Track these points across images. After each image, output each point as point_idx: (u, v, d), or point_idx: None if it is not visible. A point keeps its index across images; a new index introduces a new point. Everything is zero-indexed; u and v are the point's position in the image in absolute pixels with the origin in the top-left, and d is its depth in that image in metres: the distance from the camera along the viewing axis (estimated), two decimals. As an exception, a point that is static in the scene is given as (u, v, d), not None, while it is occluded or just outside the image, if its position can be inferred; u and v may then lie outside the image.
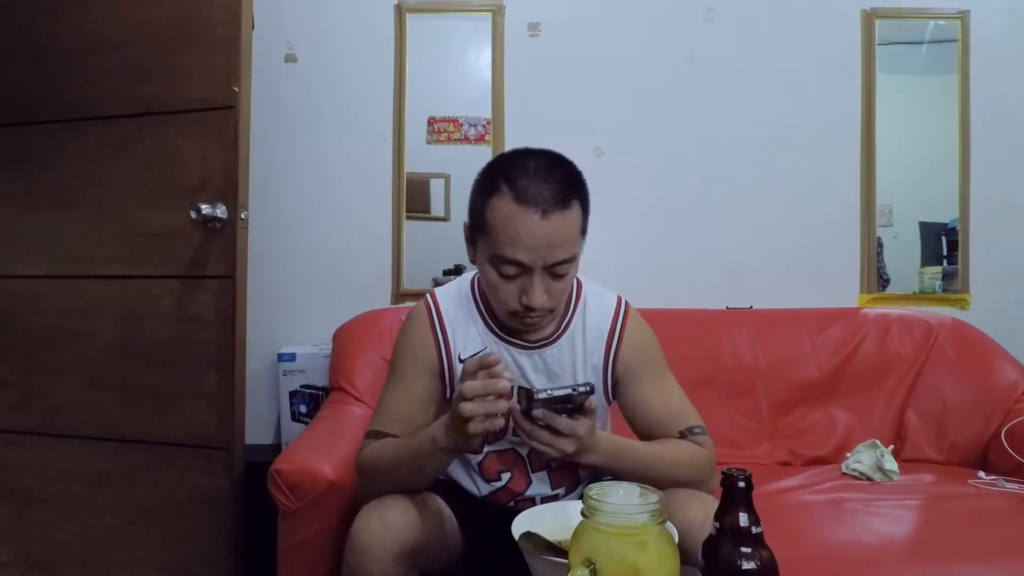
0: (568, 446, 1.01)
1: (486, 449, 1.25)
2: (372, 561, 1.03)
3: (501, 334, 1.23)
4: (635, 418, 1.25)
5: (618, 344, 1.24)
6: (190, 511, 1.75)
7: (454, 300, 1.26)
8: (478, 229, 1.12)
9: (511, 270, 1.09)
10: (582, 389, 0.99)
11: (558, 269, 1.09)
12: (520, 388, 1.00)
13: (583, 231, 1.13)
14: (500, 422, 0.97)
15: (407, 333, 1.25)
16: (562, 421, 1.00)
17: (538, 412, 0.99)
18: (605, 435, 1.11)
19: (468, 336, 1.23)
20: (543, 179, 1.07)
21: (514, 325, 1.18)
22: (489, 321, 1.24)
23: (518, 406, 1.01)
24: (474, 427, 0.96)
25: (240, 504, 1.73)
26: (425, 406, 1.21)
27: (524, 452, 1.26)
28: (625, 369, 1.24)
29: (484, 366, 0.98)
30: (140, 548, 1.79)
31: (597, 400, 1.14)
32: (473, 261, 1.18)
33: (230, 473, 1.71)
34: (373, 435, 1.18)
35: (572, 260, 1.11)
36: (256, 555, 1.66)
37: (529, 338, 1.22)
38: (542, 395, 0.97)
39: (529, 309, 1.10)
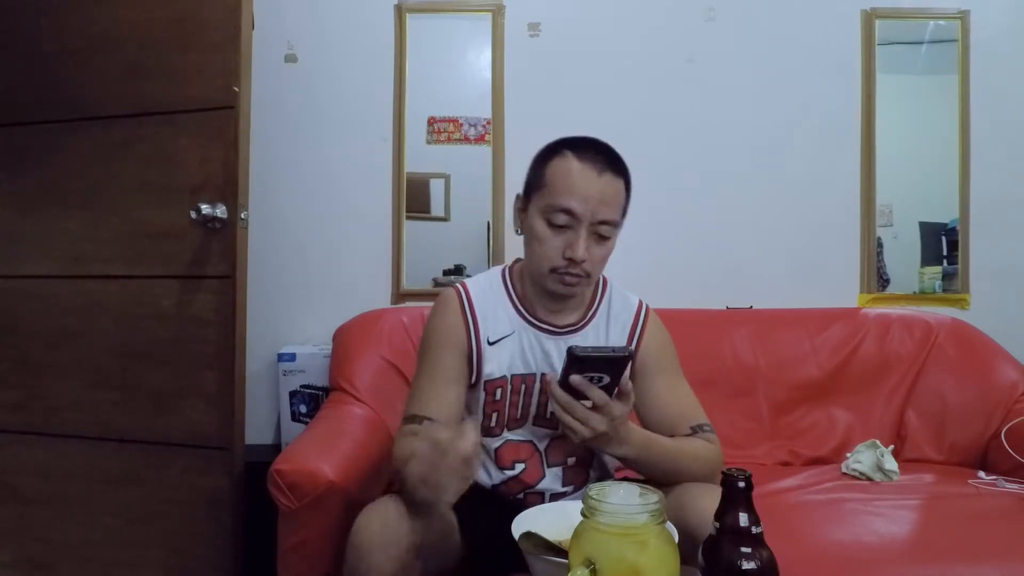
0: (600, 424, 1.05)
1: (505, 435, 1.28)
2: (372, 561, 1.03)
3: (530, 318, 1.27)
4: (648, 414, 1.27)
5: (638, 342, 1.30)
6: (190, 511, 1.75)
7: (484, 287, 1.30)
8: (535, 188, 1.22)
9: (562, 219, 1.16)
10: (621, 352, 1.03)
11: (602, 229, 1.18)
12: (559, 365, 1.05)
13: (624, 211, 1.23)
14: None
15: (437, 315, 1.28)
16: (597, 392, 1.03)
17: (576, 379, 1.02)
18: (637, 428, 1.16)
19: (497, 318, 1.27)
20: (602, 151, 1.21)
21: (551, 287, 1.21)
22: (519, 305, 1.28)
23: (556, 378, 1.05)
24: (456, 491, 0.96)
25: (240, 504, 1.72)
26: (455, 383, 1.24)
27: (542, 447, 1.28)
28: (642, 367, 1.28)
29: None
30: (140, 548, 1.79)
31: None
32: (519, 231, 1.27)
33: (230, 473, 1.71)
34: (411, 419, 1.20)
35: (615, 225, 1.20)
36: (256, 555, 1.65)
37: (557, 323, 1.27)
38: (584, 352, 1.00)
39: (571, 263, 1.16)
